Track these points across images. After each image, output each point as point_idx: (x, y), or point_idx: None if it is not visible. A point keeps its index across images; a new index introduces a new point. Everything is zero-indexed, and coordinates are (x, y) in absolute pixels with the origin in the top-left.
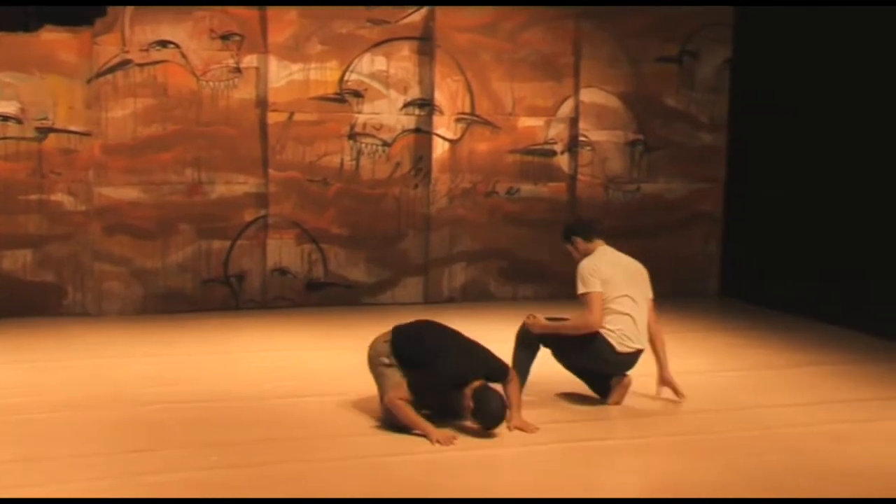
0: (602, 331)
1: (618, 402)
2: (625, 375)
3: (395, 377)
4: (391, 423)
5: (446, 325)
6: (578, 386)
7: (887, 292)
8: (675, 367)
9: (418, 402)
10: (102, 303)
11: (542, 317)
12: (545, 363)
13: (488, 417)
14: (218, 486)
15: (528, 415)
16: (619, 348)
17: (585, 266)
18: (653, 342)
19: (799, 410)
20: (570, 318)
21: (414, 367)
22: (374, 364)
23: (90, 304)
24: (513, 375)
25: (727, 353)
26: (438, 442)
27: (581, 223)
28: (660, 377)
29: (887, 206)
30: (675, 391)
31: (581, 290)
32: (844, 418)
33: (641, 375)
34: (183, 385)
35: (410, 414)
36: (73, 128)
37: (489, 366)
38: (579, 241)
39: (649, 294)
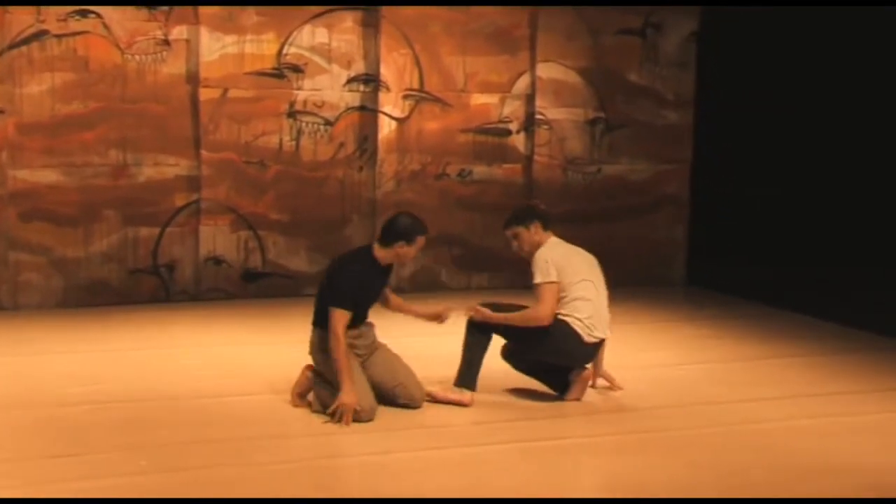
0: (569, 319)
1: (577, 398)
2: (584, 368)
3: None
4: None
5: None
6: (533, 381)
7: (861, 281)
8: (638, 360)
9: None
10: (19, 296)
11: (487, 310)
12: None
13: (406, 227)
14: (147, 491)
15: (478, 412)
16: (587, 339)
17: (542, 254)
18: None
19: (768, 405)
20: (525, 308)
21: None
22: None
23: (5, 297)
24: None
25: (694, 344)
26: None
27: (544, 210)
28: (594, 369)
29: (860, 192)
30: (611, 383)
31: (537, 279)
32: (815, 413)
33: (607, 367)
34: (108, 384)
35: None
36: None
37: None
38: (538, 227)
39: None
